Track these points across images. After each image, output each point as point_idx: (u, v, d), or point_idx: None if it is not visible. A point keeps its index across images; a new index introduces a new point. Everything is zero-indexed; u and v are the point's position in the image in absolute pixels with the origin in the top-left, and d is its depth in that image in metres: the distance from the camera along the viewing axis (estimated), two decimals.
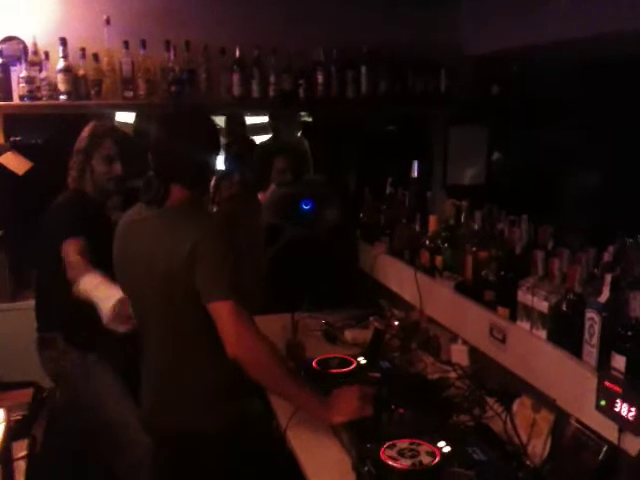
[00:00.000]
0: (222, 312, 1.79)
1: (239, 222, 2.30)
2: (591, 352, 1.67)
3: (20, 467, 2.01)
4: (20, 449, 2.08)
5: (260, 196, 3.29)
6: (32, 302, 3.22)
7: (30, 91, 3.35)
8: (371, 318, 2.80)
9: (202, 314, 1.81)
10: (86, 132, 2.73)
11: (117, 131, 2.83)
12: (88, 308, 2.35)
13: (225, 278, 1.81)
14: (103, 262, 2.54)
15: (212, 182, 2.39)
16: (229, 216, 2.08)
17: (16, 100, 3.40)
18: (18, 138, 3.92)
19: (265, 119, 4.99)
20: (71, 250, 2.48)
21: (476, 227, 2.38)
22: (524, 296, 1.95)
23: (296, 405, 1.92)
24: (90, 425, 2.57)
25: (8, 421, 1.82)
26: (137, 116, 4.23)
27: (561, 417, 1.74)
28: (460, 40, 3.98)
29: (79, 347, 2.64)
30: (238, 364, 1.78)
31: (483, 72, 4.19)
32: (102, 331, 2.38)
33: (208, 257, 1.80)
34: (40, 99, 3.39)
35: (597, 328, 1.64)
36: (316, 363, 2.30)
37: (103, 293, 2.21)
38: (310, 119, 5.22)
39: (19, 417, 2.26)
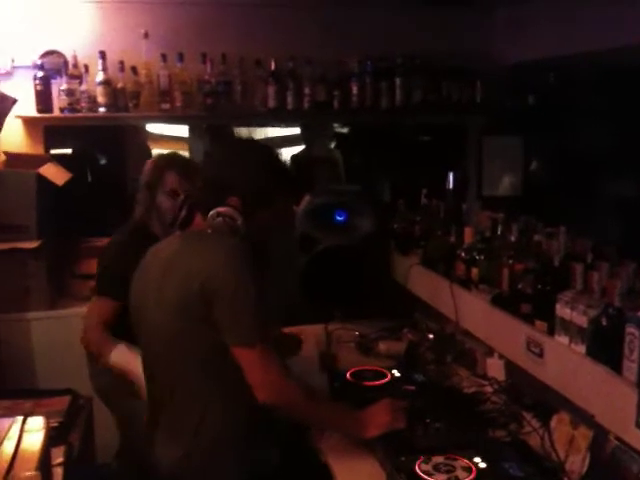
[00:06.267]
0: (248, 359, 1.69)
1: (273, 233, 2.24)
2: (631, 367, 1.64)
3: (57, 473, 2.03)
4: (57, 455, 2.09)
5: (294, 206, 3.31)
6: (70, 310, 3.30)
7: (70, 103, 3.42)
8: (405, 330, 2.79)
9: (219, 353, 1.70)
10: (148, 165, 2.59)
11: (179, 161, 2.63)
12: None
13: (249, 318, 1.68)
14: None
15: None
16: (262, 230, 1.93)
17: (56, 112, 3.47)
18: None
19: (297, 131, 5.04)
20: (96, 311, 2.43)
21: (512, 239, 2.35)
22: (562, 310, 1.91)
23: (330, 430, 1.92)
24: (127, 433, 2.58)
25: (47, 428, 1.84)
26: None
27: (600, 433, 1.71)
28: (495, 49, 3.95)
29: None
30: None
31: (519, 81, 4.16)
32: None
33: (227, 293, 1.67)
34: (80, 111, 3.46)
35: (637, 343, 1.61)
36: (350, 375, 2.29)
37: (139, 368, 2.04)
38: (344, 130, 5.24)
39: (56, 424, 2.28)
